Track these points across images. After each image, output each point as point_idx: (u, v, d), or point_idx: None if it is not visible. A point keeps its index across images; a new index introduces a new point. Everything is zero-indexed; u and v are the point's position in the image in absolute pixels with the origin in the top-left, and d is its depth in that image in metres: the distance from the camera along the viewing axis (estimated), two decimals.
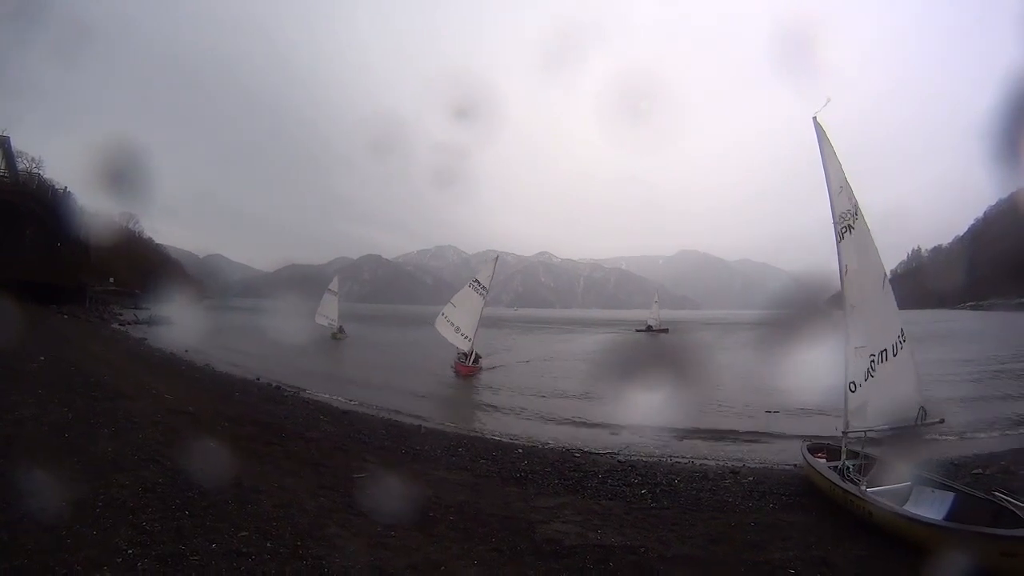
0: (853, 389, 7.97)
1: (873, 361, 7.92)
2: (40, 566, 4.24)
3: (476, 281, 28.13)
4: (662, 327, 62.08)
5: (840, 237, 8.07)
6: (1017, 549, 5.16)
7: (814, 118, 8.16)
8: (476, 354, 27.53)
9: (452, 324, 27.11)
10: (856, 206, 8.08)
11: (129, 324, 40.62)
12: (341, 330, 43.38)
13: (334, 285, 45.93)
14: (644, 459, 11.43)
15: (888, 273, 8.48)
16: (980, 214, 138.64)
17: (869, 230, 8.20)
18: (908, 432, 8.01)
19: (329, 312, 43.77)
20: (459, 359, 26.76)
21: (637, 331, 64.02)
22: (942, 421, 8.03)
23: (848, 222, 8.06)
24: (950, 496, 6.84)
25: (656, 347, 45.94)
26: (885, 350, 7.97)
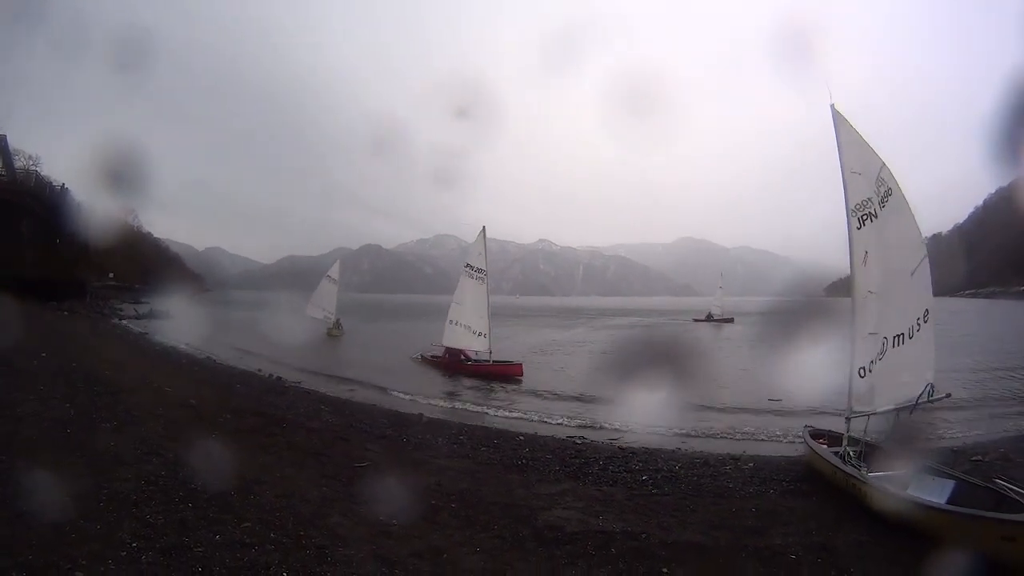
0: (863, 375, 7.97)
1: (885, 344, 7.90)
2: (44, 561, 4.26)
3: (469, 266, 24.53)
4: (726, 316, 55.63)
5: (860, 224, 8.01)
6: (1018, 533, 5.18)
7: (832, 106, 8.11)
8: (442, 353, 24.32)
9: (466, 327, 23.64)
10: (886, 192, 8.01)
11: (129, 319, 40.54)
12: (338, 325, 37.75)
13: (334, 272, 39.49)
14: (645, 445, 11.45)
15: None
16: (980, 203, 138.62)
17: (911, 215, 8.13)
18: (917, 410, 7.98)
19: (326, 303, 38.00)
20: (449, 354, 23.97)
21: (695, 320, 57.64)
22: (949, 395, 7.94)
23: (869, 209, 8.00)
24: (950, 484, 6.85)
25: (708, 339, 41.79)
26: (901, 334, 7.93)
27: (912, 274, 8.01)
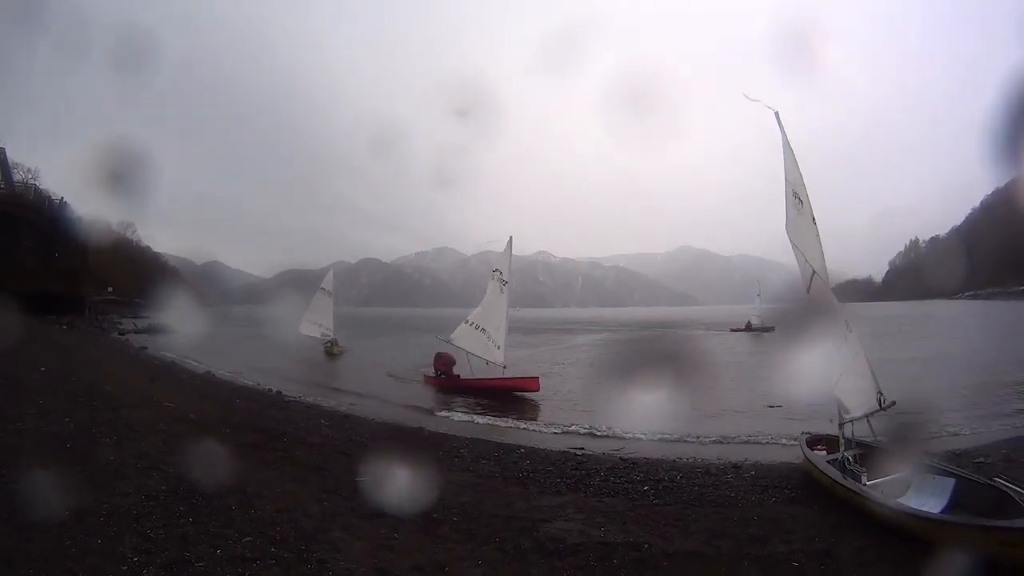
0: (835, 382, 8.14)
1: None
2: (46, 574, 4.26)
3: (496, 271, 22.74)
4: (766, 325, 50.57)
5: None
6: (1016, 539, 5.20)
7: (776, 113, 8.26)
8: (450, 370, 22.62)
9: (484, 331, 21.88)
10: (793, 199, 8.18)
11: (129, 333, 40.60)
12: (336, 343, 34.50)
13: (328, 283, 35.94)
14: (646, 456, 11.44)
15: (816, 272, 8.20)
16: (976, 204, 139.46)
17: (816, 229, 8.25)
18: (876, 418, 8.19)
19: (322, 318, 34.52)
20: (443, 369, 22.51)
21: (732, 331, 54.41)
22: (894, 403, 8.08)
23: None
24: (951, 482, 6.87)
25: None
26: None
27: (825, 279, 8.11)
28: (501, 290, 22.52)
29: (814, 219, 8.21)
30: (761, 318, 53.10)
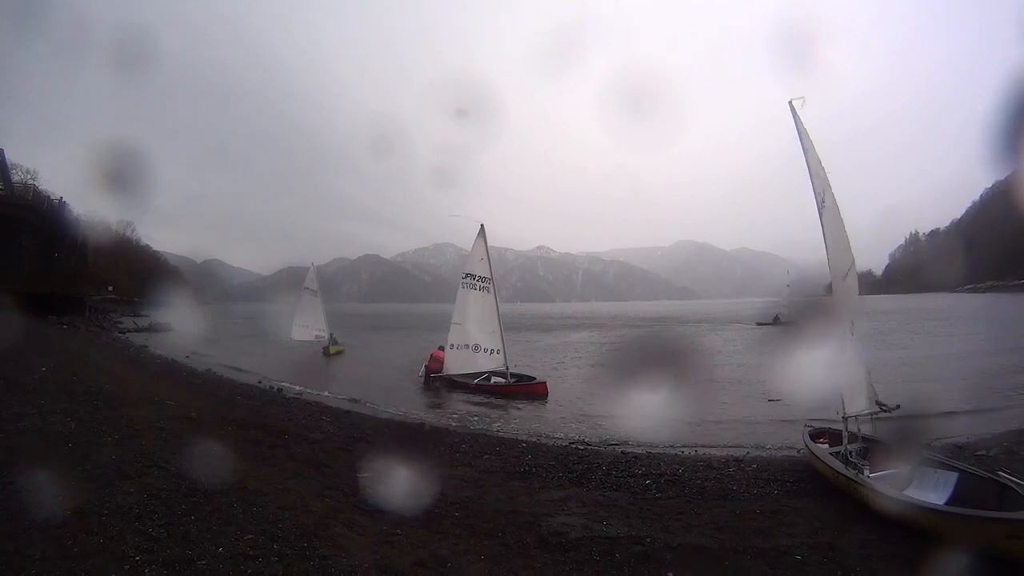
0: (847, 374, 8.13)
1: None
2: (46, 575, 4.24)
3: (469, 276, 21.02)
4: (791, 319, 46.76)
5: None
6: (1022, 532, 5.18)
7: (790, 103, 8.25)
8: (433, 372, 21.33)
9: (470, 346, 20.57)
10: (823, 192, 8.17)
11: (129, 332, 40.53)
12: (334, 342, 32.64)
13: (311, 282, 32.95)
14: (648, 450, 11.45)
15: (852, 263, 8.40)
16: (976, 198, 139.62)
17: (839, 215, 8.26)
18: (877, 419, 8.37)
19: (312, 320, 32.34)
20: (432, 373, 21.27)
21: (759, 324, 54.07)
22: (898, 407, 8.16)
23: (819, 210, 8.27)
24: (954, 476, 6.87)
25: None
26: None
27: (844, 277, 8.13)
28: (486, 292, 21.02)
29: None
30: (789, 311, 50.53)
